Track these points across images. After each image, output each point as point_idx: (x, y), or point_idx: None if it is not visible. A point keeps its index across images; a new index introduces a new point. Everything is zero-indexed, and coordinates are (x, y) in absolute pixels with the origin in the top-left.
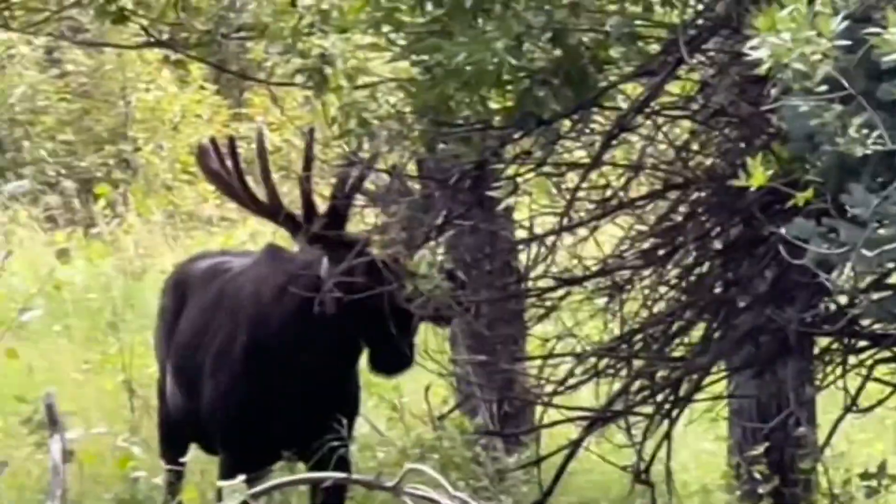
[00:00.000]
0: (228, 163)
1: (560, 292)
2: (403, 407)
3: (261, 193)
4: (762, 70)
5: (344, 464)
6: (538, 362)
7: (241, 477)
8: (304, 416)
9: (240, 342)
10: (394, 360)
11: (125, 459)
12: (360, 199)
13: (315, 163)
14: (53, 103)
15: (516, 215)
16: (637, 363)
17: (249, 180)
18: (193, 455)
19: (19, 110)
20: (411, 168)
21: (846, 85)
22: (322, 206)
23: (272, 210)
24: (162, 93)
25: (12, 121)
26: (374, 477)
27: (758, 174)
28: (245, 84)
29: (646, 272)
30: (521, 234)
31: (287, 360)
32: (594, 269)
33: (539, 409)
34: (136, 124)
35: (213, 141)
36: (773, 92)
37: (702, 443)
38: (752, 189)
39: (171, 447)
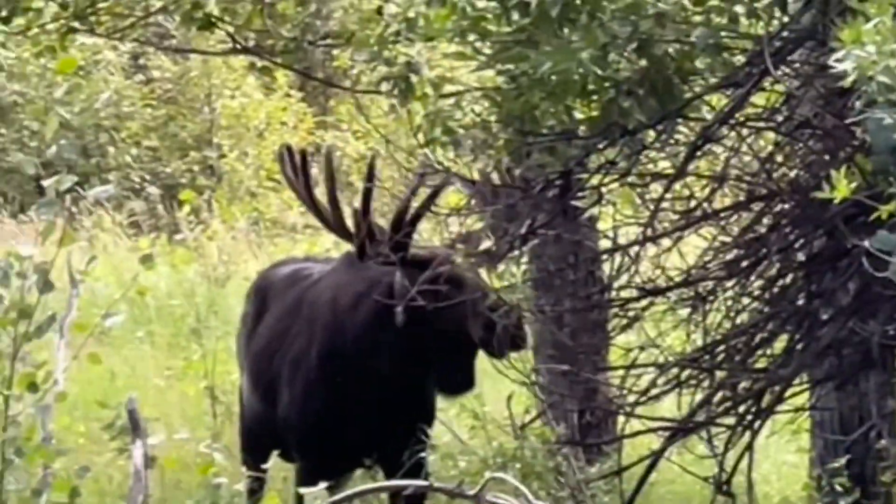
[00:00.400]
0: (300, 175)
1: (643, 303)
2: (485, 416)
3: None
4: (847, 82)
5: (421, 471)
6: (620, 373)
7: (323, 484)
8: (379, 424)
9: (316, 349)
10: (456, 380)
11: (207, 465)
12: (443, 209)
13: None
14: (139, 109)
15: (600, 225)
16: (719, 374)
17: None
18: (275, 462)
19: (104, 116)
20: (496, 177)
21: None
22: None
23: (336, 227)
24: (247, 99)
25: (97, 126)
26: (455, 485)
27: (842, 187)
28: (330, 92)
29: (729, 283)
30: (604, 244)
31: (362, 368)
32: (677, 279)
33: (621, 419)
34: (221, 131)
35: (288, 148)
36: (858, 104)
37: (783, 455)
38: (836, 201)
39: (253, 454)
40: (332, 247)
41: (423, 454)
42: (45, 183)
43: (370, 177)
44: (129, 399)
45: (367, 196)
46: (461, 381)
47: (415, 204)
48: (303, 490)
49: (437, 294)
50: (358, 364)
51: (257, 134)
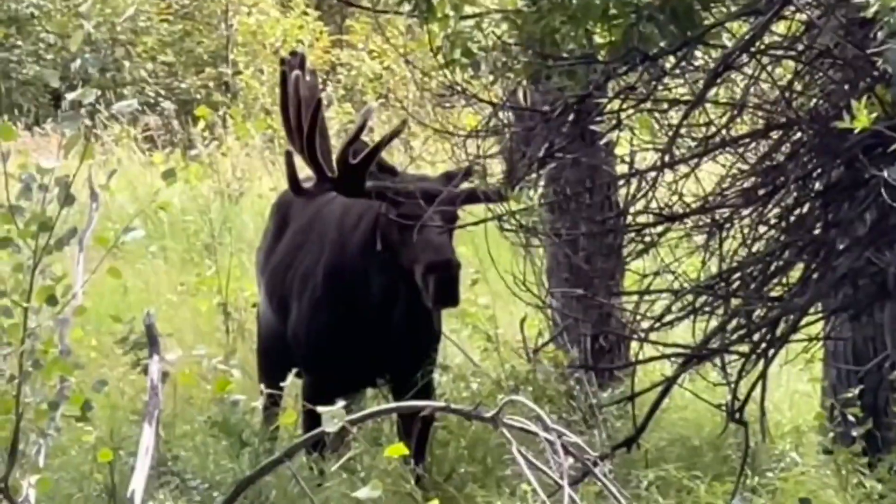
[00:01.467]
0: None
1: (659, 228)
2: (498, 338)
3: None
4: (869, 13)
5: (430, 392)
6: (634, 298)
7: (340, 403)
8: (383, 343)
9: (322, 265)
10: (438, 296)
11: (224, 382)
12: (462, 131)
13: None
14: (155, 24)
15: (617, 150)
16: (734, 302)
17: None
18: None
19: (120, 30)
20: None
21: None
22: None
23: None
24: (264, 17)
25: (114, 41)
26: (472, 408)
27: (862, 117)
28: (347, 11)
29: (746, 211)
30: (621, 169)
31: (362, 286)
32: (694, 206)
33: (634, 345)
34: (237, 48)
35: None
36: (880, 35)
37: (795, 383)
38: (856, 131)
39: (269, 370)
40: None
41: (432, 375)
42: (67, 96)
43: (313, 120)
44: (147, 314)
45: (311, 130)
46: (445, 298)
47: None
48: (320, 409)
49: (404, 228)
50: (358, 282)
51: (273, 51)
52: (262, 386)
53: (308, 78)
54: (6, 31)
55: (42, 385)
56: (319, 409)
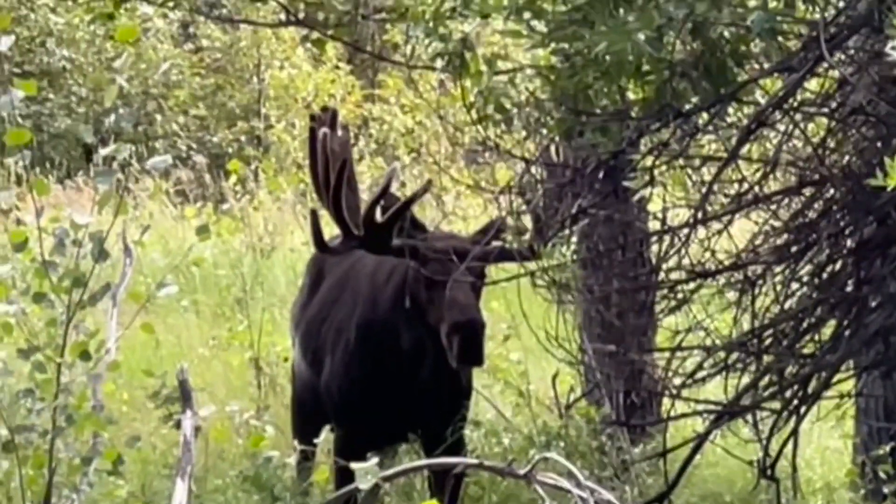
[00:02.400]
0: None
1: (692, 285)
2: (530, 394)
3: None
4: None
5: (461, 448)
6: (666, 354)
7: (374, 459)
8: (414, 398)
9: (355, 320)
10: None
11: (258, 438)
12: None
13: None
14: (187, 78)
15: (650, 207)
16: (766, 359)
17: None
18: (326, 436)
19: (152, 84)
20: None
21: None
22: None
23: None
24: (296, 71)
25: (146, 94)
26: (505, 464)
27: (895, 174)
28: (378, 65)
29: (778, 268)
30: (654, 225)
31: (392, 341)
32: (727, 263)
33: (665, 401)
34: (268, 102)
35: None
36: None
37: (827, 440)
38: (889, 188)
39: (303, 425)
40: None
41: (463, 431)
42: (100, 151)
43: (339, 178)
44: (180, 369)
45: (339, 181)
46: (469, 358)
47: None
48: (353, 465)
49: (432, 286)
50: (388, 337)
51: (305, 105)
52: (296, 441)
53: (340, 133)
54: (38, 84)
55: (75, 440)
56: (353, 465)
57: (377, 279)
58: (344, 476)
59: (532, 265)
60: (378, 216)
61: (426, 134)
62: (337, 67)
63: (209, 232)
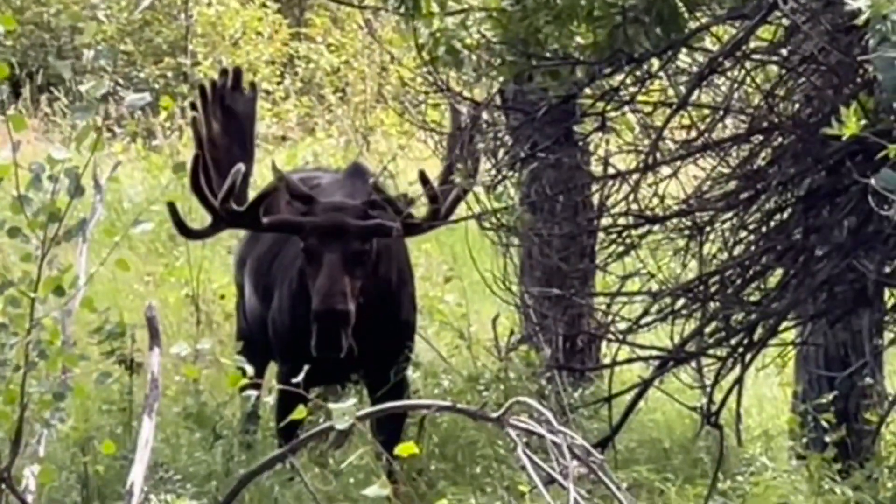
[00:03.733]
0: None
1: (640, 230)
2: (470, 336)
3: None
4: (860, 20)
5: (402, 388)
6: (608, 299)
7: (351, 400)
8: (356, 338)
9: (298, 260)
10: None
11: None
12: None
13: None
14: (115, 13)
15: (599, 151)
16: (712, 306)
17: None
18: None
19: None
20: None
21: None
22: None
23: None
24: (224, 8)
25: (73, 28)
26: (478, 408)
27: (851, 123)
28: (305, 3)
29: (726, 215)
30: (602, 170)
31: None
32: (675, 208)
33: (604, 346)
34: (196, 38)
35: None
36: (871, 42)
37: (763, 388)
38: (844, 138)
39: (252, 358)
40: (311, 159)
41: (406, 372)
42: (81, 87)
43: (195, 166)
44: (149, 306)
45: (195, 171)
46: (325, 347)
47: None
48: (332, 406)
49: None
50: None
51: (232, 43)
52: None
53: (246, 92)
54: None
55: (47, 376)
56: (330, 405)
57: None
58: (286, 411)
59: (479, 208)
60: (234, 205)
61: (352, 74)
62: (264, 5)
63: (185, 169)
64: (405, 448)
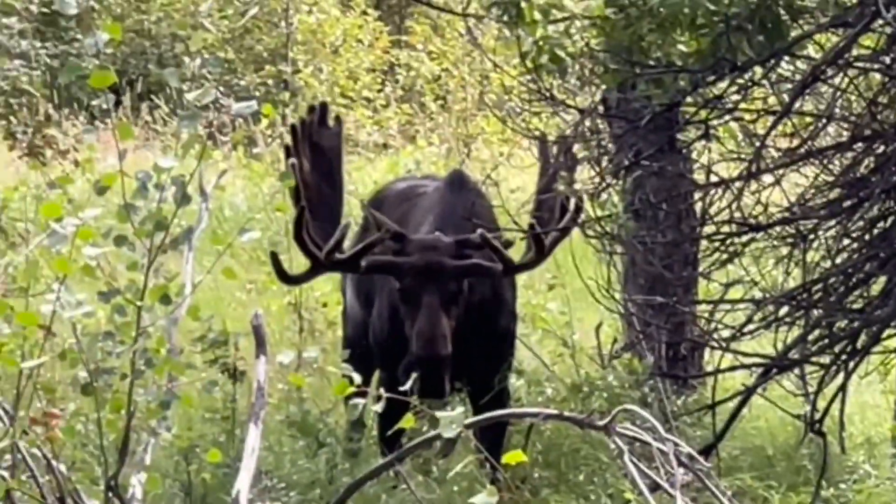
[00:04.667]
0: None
1: (743, 238)
2: (573, 343)
3: None
4: None
5: (504, 396)
6: (711, 307)
7: (461, 408)
8: (456, 345)
9: None
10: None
11: (343, 385)
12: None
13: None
14: (215, 21)
15: (703, 160)
16: (815, 313)
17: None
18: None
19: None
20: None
21: None
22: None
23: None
24: (324, 16)
25: (173, 36)
26: (585, 415)
27: None
28: (406, 11)
29: (829, 223)
30: (704, 178)
31: None
32: (778, 216)
33: (707, 353)
34: (296, 46)
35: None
36: None
37: (866, 395)
38: None
39: (357, 368)
40: (413, 167)
41: (508, 380)
42: (188, 96)
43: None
44: (255, 315)
45: (299, 222)
46: (428, 393)
47: None
48: (440, 414)
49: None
50: None
51: (332, 50)
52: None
53: (332, 125)
54: (66, 24)
55: (153, 383)
56: (438, 413)
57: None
58: (389, 419)
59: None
60: (338, 254)
61: (453, 82)
62: (365, 13)
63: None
64: (513, 456)
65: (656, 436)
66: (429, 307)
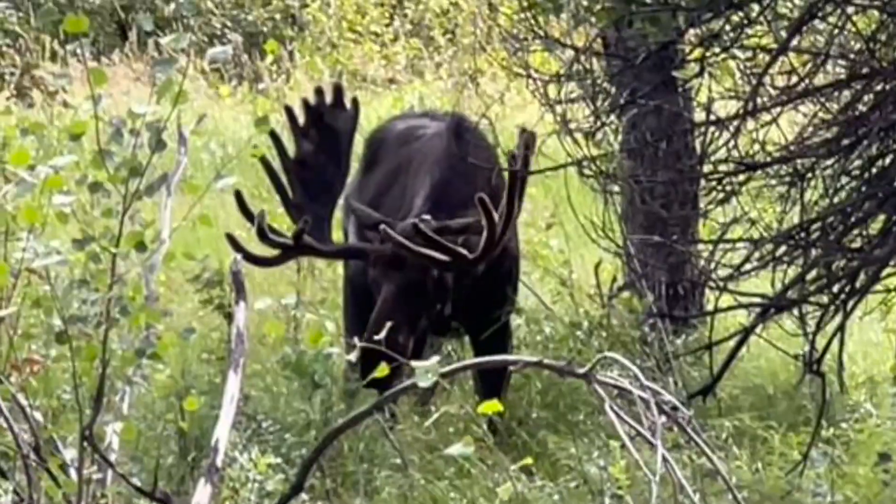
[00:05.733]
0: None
1: (741, 177)
2: (572, 282)
3: None
4: None
5: (505, 334)
6: (710, 246)
7: (435, 358)
8: (456, 286)
9: (401, 213)
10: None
11: (318, 335)
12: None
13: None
14: None
15: (699, 98)
16: (814, 252)
17: None
18: None
19: None
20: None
21: None
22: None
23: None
24: None
25: None
26: (565, 363)
27: None
28: None
29: (827, 161)
30: (702, 116)
31: None
32: (776, 155)
33: (708, 293)
34: None
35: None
36: None
37: (868, 334)
38: None
39: (357, 310)
40: (416, 102)
41: (510, 317)
42: (162, 40)
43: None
44: (235, 260)
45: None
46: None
47: None
48: (415, 363)
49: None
50: None
51: None
52: (345, 333)
53: (348, 109)
54: None
55: (128, 331)
56: (413, 363)
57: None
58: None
59: (579, 154)
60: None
61: (461, 16)
62: None
63: (269, 124)
64: (490, 406)
65: (638, 384)
66: (384, 299)
